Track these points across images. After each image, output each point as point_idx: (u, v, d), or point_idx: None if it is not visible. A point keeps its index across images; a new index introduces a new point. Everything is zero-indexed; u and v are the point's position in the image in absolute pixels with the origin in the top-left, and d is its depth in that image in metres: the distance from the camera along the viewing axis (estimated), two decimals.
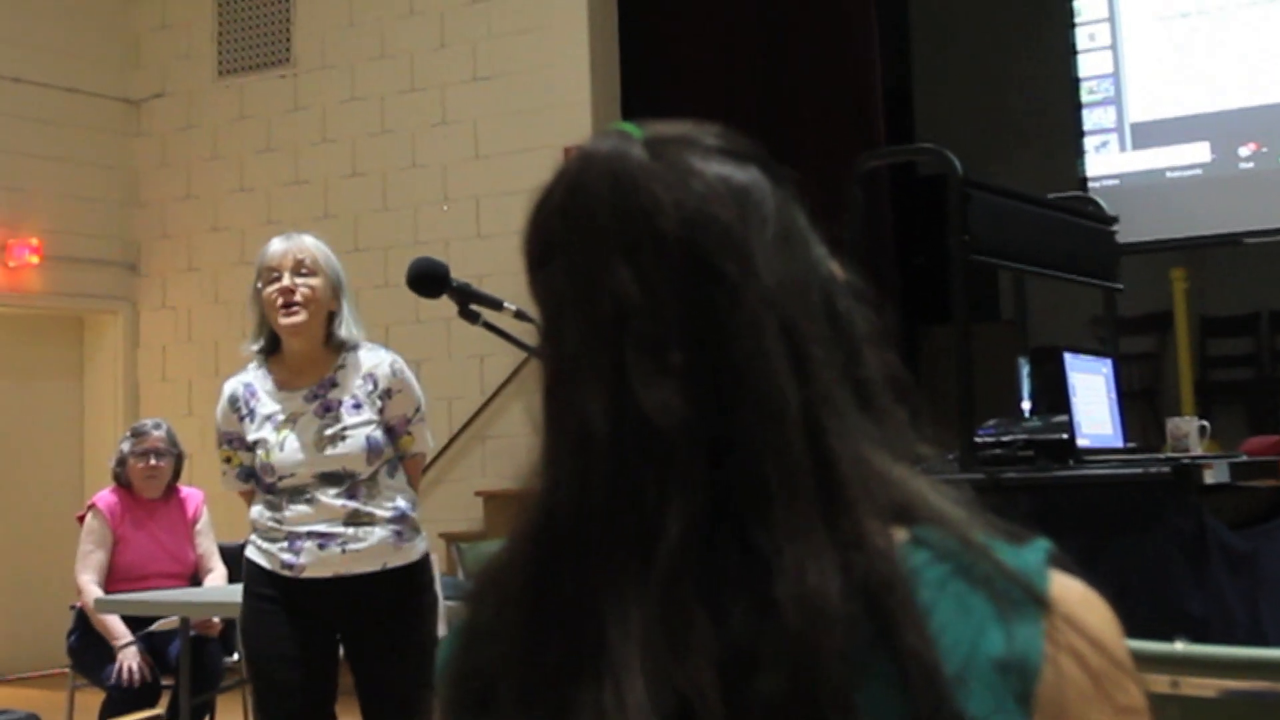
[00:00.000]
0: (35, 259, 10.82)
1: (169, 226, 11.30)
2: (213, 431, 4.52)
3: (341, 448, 4.25)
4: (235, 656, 6.36)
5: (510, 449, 9.08)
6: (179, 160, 11.27)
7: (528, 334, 3.70)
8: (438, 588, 4.59)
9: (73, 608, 6.57)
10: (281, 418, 4.31)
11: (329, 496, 4.26)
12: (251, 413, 4.35)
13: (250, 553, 4.39)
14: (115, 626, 6.25)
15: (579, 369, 1.13)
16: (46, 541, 10.29)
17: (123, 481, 6.62)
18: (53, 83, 10.97)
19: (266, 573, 4.34)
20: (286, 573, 4.29)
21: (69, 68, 11.09)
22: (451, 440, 9.73)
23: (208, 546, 6.71)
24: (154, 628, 6.33)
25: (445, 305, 4.05)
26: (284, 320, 4.28)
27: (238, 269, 9.97)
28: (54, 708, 6.26)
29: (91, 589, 6.34)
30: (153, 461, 6.58)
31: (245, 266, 4.75)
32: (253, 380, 4.39)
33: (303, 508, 4.27)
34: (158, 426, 6.70)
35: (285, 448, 4.28)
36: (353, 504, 4.27)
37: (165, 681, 6.27)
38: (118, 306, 11.38)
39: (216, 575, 6.62)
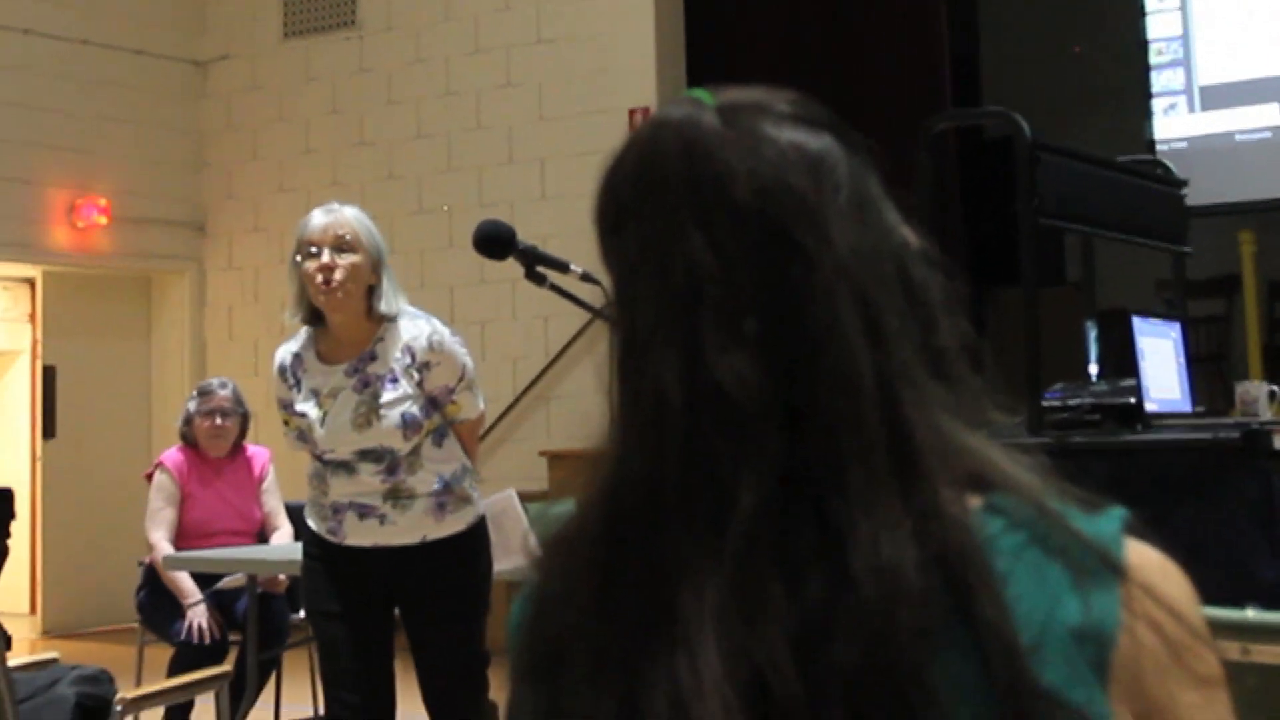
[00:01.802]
0: (104, 220, 10.91)
1: (235, 187, 11.37)
2: None
3: (377, 426, 4.25)
4: (301, 613, 6.41)
5: (574, 410, 9.12)
6: (245, 122, 11.32)
7: (594, 296, 3.70)
8: (525, 534, 4.62)
9: (141, 564, 6.62)
10: (323, 392, 4.31)
11: (368, 473, 4.28)
12: (298, 383, 4.36)
13: (306, 513, 4.45)
14: (185, 584, 6.29)
15: (652, 337, 1.13)
16: (115, 499, 10.39)
17: (189, 440, 6.66)
18: (120, 45, 11.03)
19: (316, 534, 4.40)
20: (331, 538, 4.35)
21: (136, 30, 11.15)
22: (516, 401, 9.76)
23: (274, 504, 6.75)
24: (221, 585, 6.38)
25: (510, 266, 4.05)
26: (323, 298, 4.25)
27: None
28: (123, 663, 6.32)
29: (163, 546, 6.39)
30: (218, 421, 6.61)
31: None
32: (300, 350, 4.40)
33: (344, 479, 4.31)
34: (224, 386, 6.74)
35: (325, 425, 4.29)
36: (392, 480, 4.28)
37: (232, 638, 6.32)
38: (185, 267, 11.46)
39: (283, 533, 6.65)
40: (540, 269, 3.86)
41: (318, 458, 4.36)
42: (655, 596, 1.09)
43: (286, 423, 4.44)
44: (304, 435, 4.38)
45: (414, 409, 4.27)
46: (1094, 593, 1.07)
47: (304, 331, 4.41)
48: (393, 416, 4.25)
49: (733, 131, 1.14)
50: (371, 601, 4.37)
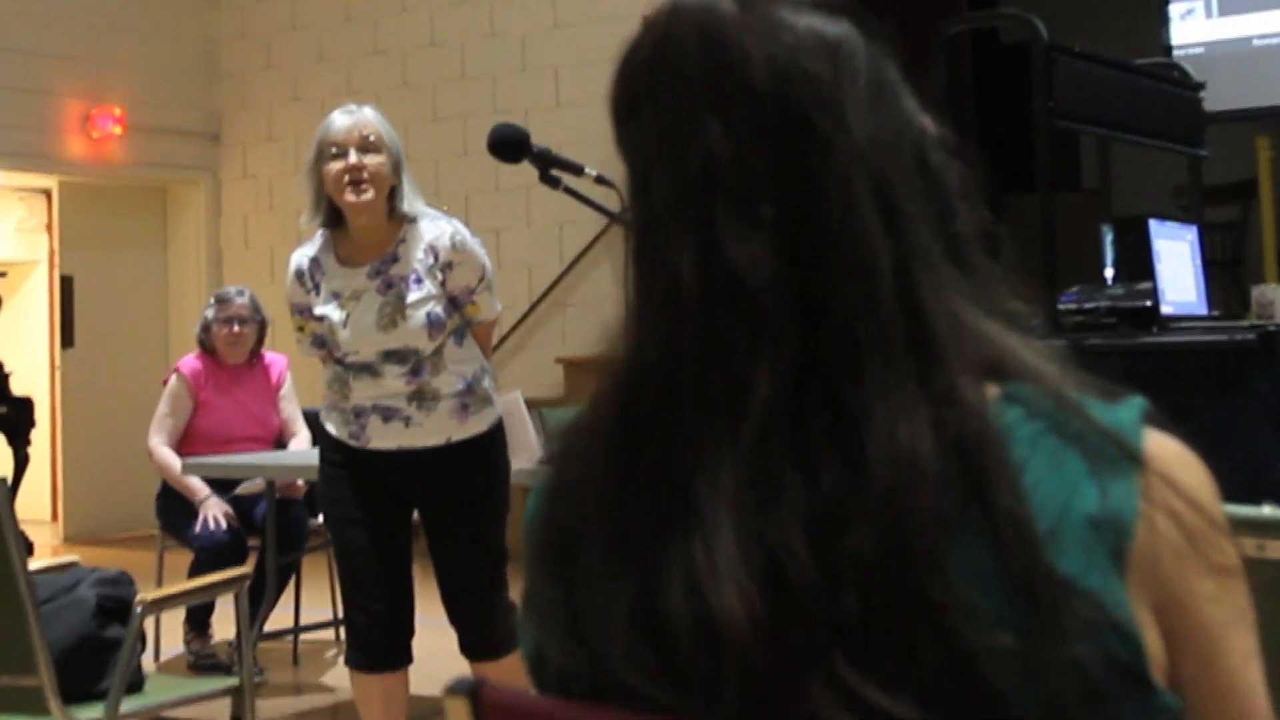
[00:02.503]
0: (118, 130, 10.89)
1: (249, 97, 11.33)
2: None
3: (403, 326, 4.23)
4: (319, 518, 6.44)
5: (590, 316, 9.12)
6: (258, 31, 11.27)
7: (609, 199, 3.69)
8: (530, 436, 4.65)
9: None
10: (345, 295, 4.29)
11: (393, 375, 4.27)
12: (317, 286, 4.34)
13: (323, 418, 4.45)
14: (193, 483, 6.32)
15: (667, 225, 1.12)
16: (133, 407, 10.40)
17: (207, 348, 6.69)
18: None
19: (336, 440, 4.39)
20: (353, 442, 4.33)
21: None
22: (532, 308, 9.76)
23: (291, 411, 6.78)
24: (239, 491, 6.41)
25: (525, 173, 4.04)
26: (351, 198, 4.21)
27: None
28: (144, 568, 6.35)
29: (161, 450, 6.43)
30: (236, 328, 6.63)
31: None
32: (318, 254, 4.38)
33: (368, 382, 4.29)
34: (241, 293, 6.75)
35: (348, 326, 4.27)
36: (416, 381, 4.27)
37: (251, 543, 6.36)
38: (200, 176, 11.45)
39: (301, 439, 6.68)
40: (555, 172, 3.85)
41: (339, 361, 4.34)
42: (671, 485, 1.09)
43: (301, 329, 4.43)
44: (320, 340, 4.37)
45: (438, 309, 4.26)
46: (1112, 481, 1.06)
47: (320, 235, 4.39)
48: (418, 316, 4.24)
49: (749, 17, 1.13)
50: (391, 505, 4.37)
